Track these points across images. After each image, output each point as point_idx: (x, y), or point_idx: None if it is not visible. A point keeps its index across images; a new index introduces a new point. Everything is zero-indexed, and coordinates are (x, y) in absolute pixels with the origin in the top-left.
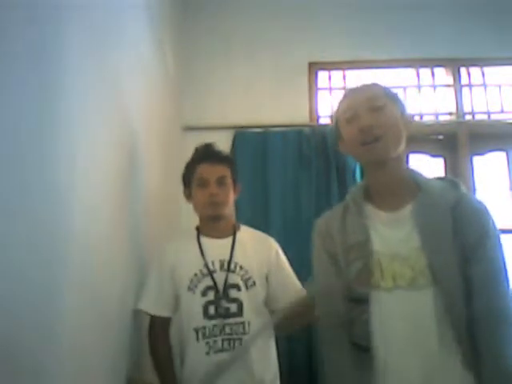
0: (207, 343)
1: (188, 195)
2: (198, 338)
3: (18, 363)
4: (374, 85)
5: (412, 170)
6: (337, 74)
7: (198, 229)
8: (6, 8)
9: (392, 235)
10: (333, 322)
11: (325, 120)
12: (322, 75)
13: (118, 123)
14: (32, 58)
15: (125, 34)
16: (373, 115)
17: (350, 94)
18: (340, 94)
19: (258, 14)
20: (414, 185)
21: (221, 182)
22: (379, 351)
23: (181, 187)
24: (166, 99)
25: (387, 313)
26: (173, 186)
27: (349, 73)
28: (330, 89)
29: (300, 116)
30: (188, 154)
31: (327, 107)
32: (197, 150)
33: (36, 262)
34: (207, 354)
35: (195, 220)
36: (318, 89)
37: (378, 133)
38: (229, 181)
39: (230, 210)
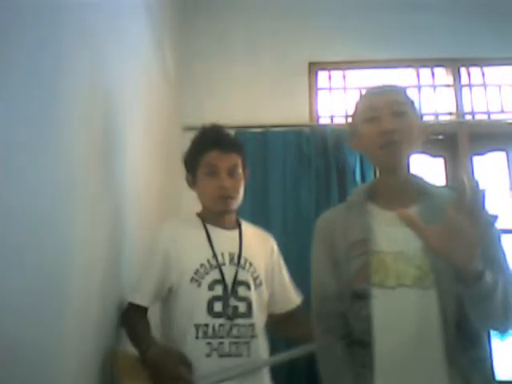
0: (208, 343)
1: (191, 182)
2: (197, 336)
3: (17, 361)
4: (397, 88)
5: (414, 175)
6: (337, 74)
7: (199, 216)
8: (7, 8)
9: (397, 234)
10: (327, 321)
11: (325, 120)
12: (322, 75)
13: (118, 123)
14: (32, 58)
15: (125, 34)
16: (395, 120)
17: (373, 94)
18: (341, 94)
19: (257, 14)
20: (418, 188)
21: (232, 172)
22: (380, 348)
23: (181, 187)
24: (166, 99)
25: (391, 310)
26: (173, 185)
27: (349, 73)
28: (330, 89)
29: (300, 116)
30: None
31: (327, 107)
32: (204, 132)
33: (33, 260)
34: (208, 355)
35: None
36: (317, 89)
37: (397, 138)
38: (240, 170)
39: (238, 203)
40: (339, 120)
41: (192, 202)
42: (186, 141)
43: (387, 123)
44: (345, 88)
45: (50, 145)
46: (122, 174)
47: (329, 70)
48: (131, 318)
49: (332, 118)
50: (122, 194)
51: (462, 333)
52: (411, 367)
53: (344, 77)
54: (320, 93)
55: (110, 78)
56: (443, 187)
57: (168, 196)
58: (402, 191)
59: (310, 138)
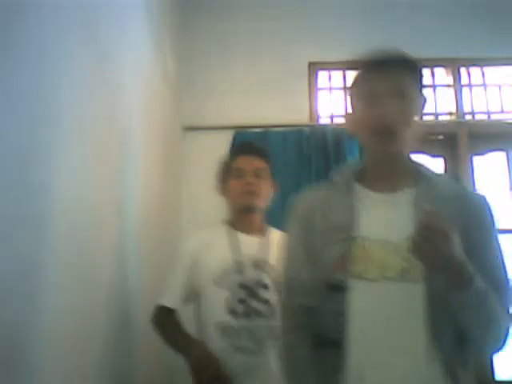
0: (231, 343)
1: (222, 190)
2: (222, 336)
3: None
4: (406, 62)
5: (413, 160)
6: (337, 74)
7: (227, 223)
8: (9, 9)
9: (384, 218)
10: (294, 316)
11: (325, 120)
12: (322, 75)
13: (118, 123)
14: (33, 59)
15: (125, 34)
16: (395, 104)
17: (377, 67)
18: (341, 94)
19: (257, 14)
20: (414, 172)
21: (257, 173)
22: (354, 349)
23: (181, 187)
24: (166, 99)
25: (370, 306)
26: (173, 185)
27: (349, 73)
28: (330, 89)
29: (300, 116)
30: (188, 153)
31: (327, 107)
32: (235, 145)
33: (30, 260)
34: (231, 353)
35: (196, 219)
36: (317, 89)
37: (396, 127)
38: (265, 174)
39: (263, 203)
40: (339, 120)
41: (192, 202)
42: (186, 141)
43: (385, 107)
44: (345, 88)
45: (49, 144)
46: (123, 174)
47: (329, 69)
48: (162, 320)
49: (332, 117)
50: (122, 193)
51: (452, 333)
52: (390, 373)
53: (344, 77)
54: (320, 93)
55: (110, 79)
56: (442, 174)
57: (168, 196)
58: (395, 174)
59: (310, 137)
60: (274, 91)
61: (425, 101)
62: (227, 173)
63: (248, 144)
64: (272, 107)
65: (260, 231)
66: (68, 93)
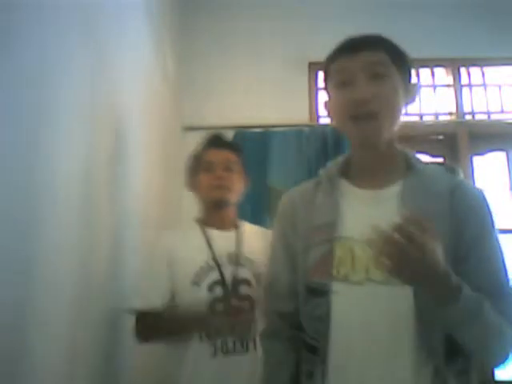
0: (212, 344)
1: (191, 184)
2: (201, 338)
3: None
4: (380, 42)
5: (404, 151)
6: None
7: (199, 220)
8: (9, 9)
9: (369, 216)
10: (273, 319)
11: (325, 120)
12: (322, 75)
13: (118, 123)
14: (32, 57)
15: (125, 34)
16: (372, 85)
17: (347, 50)
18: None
19: (257, 14)
20: (405, 165)
21: (228, 167)
22: (335, 356)
23: (181, 187)
24: (166, 99)
25: (354, 311)
26: (173, 185)
27: None
28: None
29: (300, 116)
30: (188, 153)
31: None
32: (205, 138)
33: (27, 258)
34: (213, 355)
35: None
36: (317, 89)
37: (374, 108)
38: (236, 168)
39: (235, 197)
40: None
41: (192, 203)
42: (186, 141)
43: (361, 90)
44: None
45: (49, 144)
46: (122, 174)
47: None
48: (153, 323)
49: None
50: (122, 194)
51: (442, 338)
52: (375, 380)
53: None
54: (320, 93)
55: (110, 78)
56: (434, 164)
57: (168, 196)
58: (381, 168)
59: (310, 137)
60: (274, 91)
61: (416, 86)
62: (197, 166)
63: (218, 137)
64: (272, 107)
65: (233, 226)
66: (68, 93)
